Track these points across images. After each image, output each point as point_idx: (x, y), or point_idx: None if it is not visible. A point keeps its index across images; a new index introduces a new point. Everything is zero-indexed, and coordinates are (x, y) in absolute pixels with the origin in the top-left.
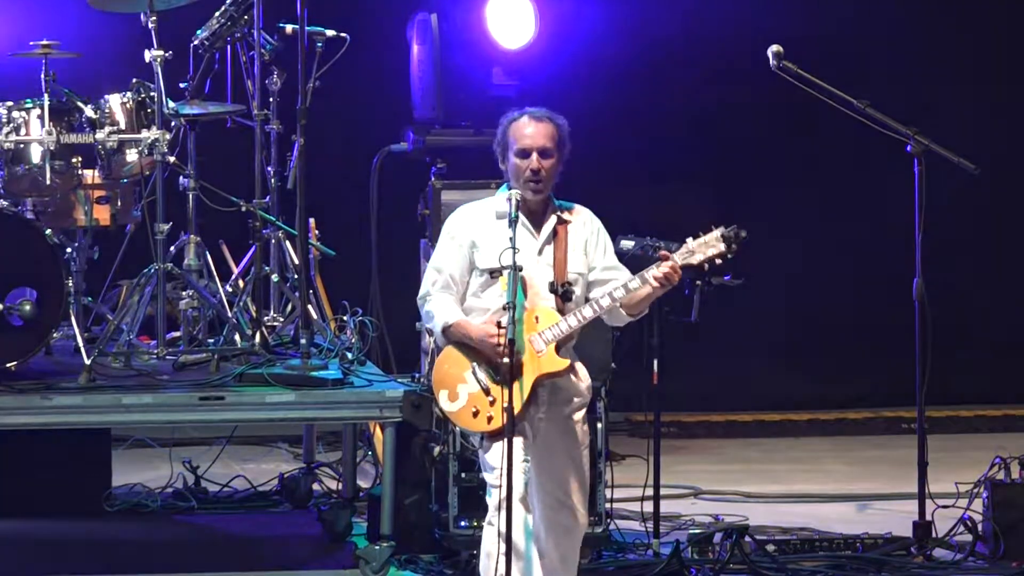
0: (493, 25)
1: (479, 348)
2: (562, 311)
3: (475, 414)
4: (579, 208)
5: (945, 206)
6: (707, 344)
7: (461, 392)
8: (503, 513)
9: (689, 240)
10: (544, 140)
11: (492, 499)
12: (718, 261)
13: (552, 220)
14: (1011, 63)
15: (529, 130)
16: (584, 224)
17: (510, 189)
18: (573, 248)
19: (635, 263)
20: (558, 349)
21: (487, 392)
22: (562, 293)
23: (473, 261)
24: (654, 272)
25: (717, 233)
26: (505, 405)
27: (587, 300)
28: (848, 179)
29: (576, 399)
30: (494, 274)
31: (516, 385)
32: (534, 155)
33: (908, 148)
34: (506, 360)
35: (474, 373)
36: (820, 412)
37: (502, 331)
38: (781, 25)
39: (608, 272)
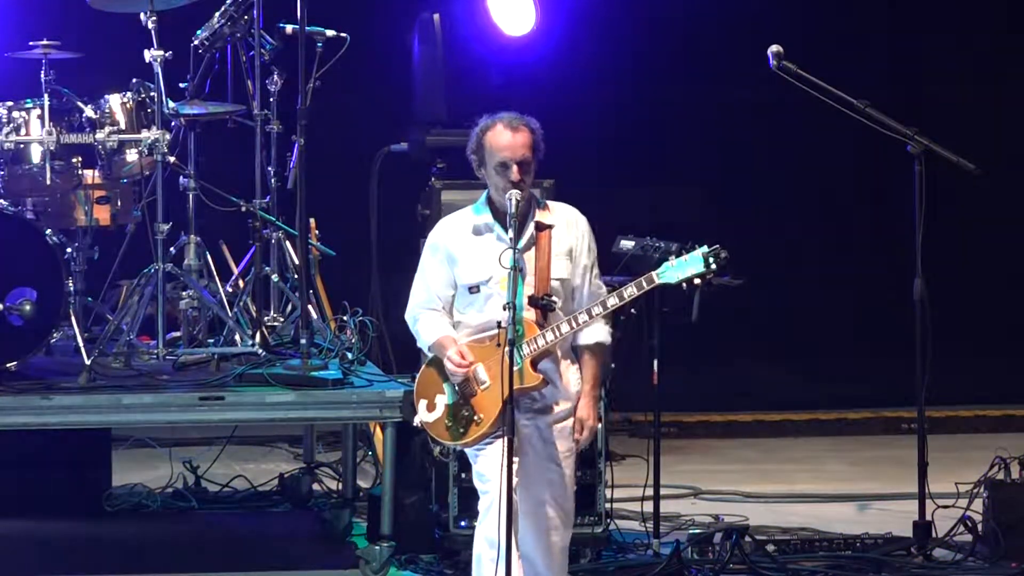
0: (495, 12)
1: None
2: (541, 325)
3: (448, 427)
4: (564, 208)
5: (945, 206)
6: (707, 344)
7: (438, 403)
8: (488, 517)
9: (672, 258)
10: (523, 150)
11: (481, 504)
12: (697, 281)
13: (530, 227)
14: (1011, 63)
15: (506, 140)
16: (569, 227)
17: (489, 197)
18: (556, 253)
19: (635, 263)
20: (535, 365)
21: (462, 404)
22: (543, 306)
23: (454, 277)
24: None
25: (698, 253)
26: (478, 418)
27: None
28: (848, 179)
29: (563, 404)
30: (473, 290)
31: (491, 398)
32: (514, 167)
33: (908, 148)
34: (496, 364)
35: (452, 386)
36: (820, 412)
37: (463, 364)
38: (781, 24)
39: (588, 283)
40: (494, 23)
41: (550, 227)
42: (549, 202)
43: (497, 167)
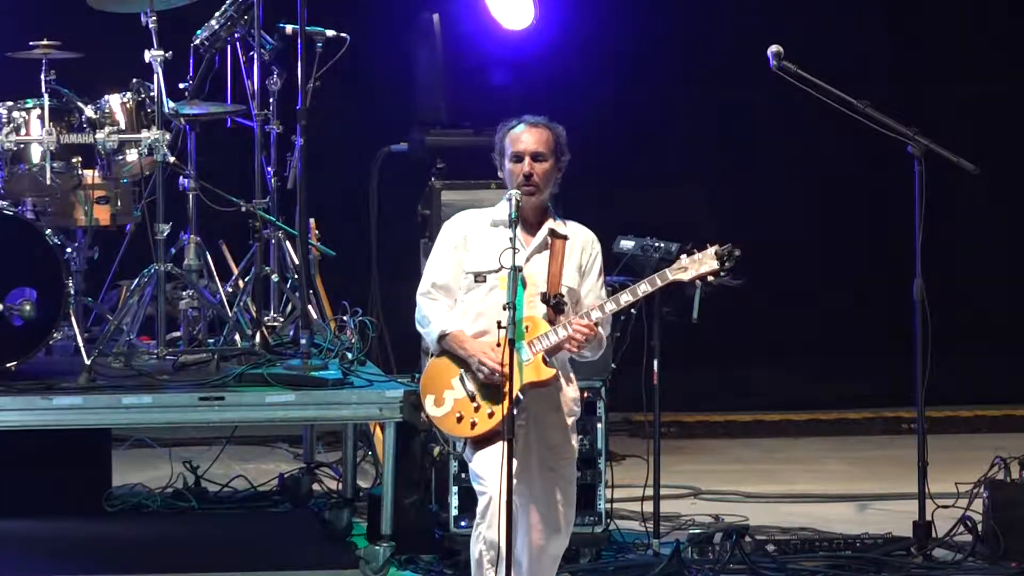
0: (494, 7)
1: (469, 362)
2: (552, 322)
3: (459, 419)
4: (580, 228)
5: (945, 206)
6: (707, 344)
7: (447, 398)
8: (487, 518)
9: (683, 256)
10: (537, 145)
11: (479, 505)
12: (710, 278)
13: (544, 230)
14: (1011, 63)
15: (524, 136)
16: (583, 247)
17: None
18: (568, 264)
19: (635, 263)
20: (545, 359)
21: (472, 399)
22: (554, 304)
23: (462, 263)
24: (572, 328)
25: (711, 251)
26: (490, 412)
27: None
28: (848, 179)
29: (562, 409)
30: (478, 278)
31: (503, 393)
32: (527, 159)
33: (908, 149)
34: (504, 367)
35: (461, 380)
36: (820, 412)
37: (496, 357)
38: (781, 24)
39: (595, 301)
40: (493, 19)
41: (564, 238)
42: (567, 220)
43: (511, 158)
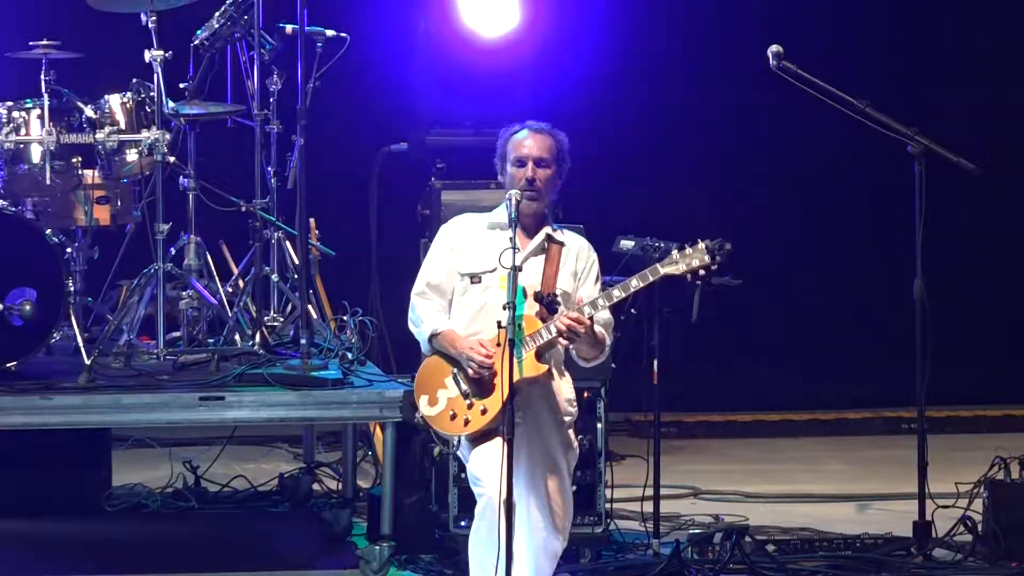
0: (468, 16)
1: (459, 359)
2: (545, 320)
3: (452, 417)
4: (577, 237)
5: (945, 206)
6: (707, 344)
7: (441, 397)
8: (486, 519)
9: (674, 251)
10: (540, 151)
11: (478, 507)
12: (702, 272)
13: (542, 235)
14: (1011, 63)
15: (527, 141)
16: (579, 254)
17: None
18: (563, 269)
19: (635, 263)
20: (539, 356)
21: (466, 396)
22: (547, 303)
23: (456, 266)
24: (561, 320)
25: (702, 246)
26: (483, 409)
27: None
28: (848, 179)
29: (557, 409)
30: (474, 279)
31: (496, 390)
32: (530, 164)
33: (908, 148)
34: (494, 360)
35: (455, 378)
36: (820, 412)
37: (490, 355)
38: (781, 23)
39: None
40: (479, 26)
41: (561, 244)
42: (565, 229)
43: (514, 162)
